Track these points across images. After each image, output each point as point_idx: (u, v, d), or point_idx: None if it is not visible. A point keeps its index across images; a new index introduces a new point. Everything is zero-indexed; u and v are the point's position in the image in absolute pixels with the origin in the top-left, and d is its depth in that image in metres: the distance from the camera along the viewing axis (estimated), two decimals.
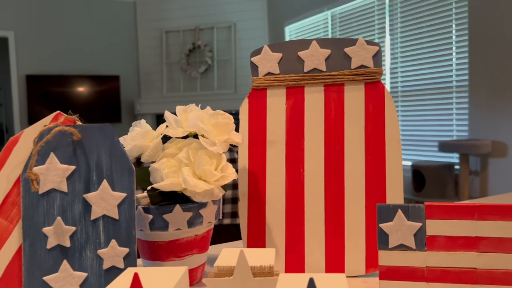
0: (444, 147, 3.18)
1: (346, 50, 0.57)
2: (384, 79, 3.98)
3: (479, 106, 3.21)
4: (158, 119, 5.57)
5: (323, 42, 0.57)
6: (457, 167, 3.33)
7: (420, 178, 3.33)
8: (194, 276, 0.54)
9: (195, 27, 5.71)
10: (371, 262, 0.55)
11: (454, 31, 3.36)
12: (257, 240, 0.57)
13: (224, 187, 0.53)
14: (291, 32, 5.21)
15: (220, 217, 0.56)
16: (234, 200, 2.03)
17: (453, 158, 3.44)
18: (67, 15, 5.64)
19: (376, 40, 4.03)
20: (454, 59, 3.37)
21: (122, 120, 5.72)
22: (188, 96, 5.59)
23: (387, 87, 3.96)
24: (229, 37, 5.65)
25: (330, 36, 4.62)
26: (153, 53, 5.92)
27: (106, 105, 5.74)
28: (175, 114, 0.55)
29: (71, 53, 5.65)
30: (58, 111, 0.49)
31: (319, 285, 0.36)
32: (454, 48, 3.36)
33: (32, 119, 5.37)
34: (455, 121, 3.42)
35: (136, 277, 0.37)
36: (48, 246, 0.47)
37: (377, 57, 0.57)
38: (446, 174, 3.30)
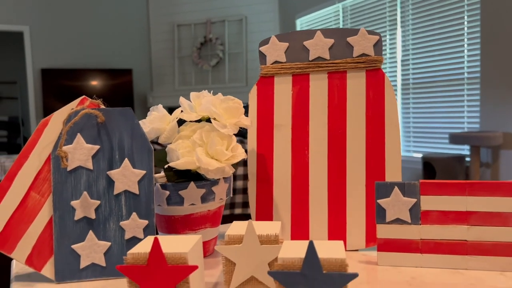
0: (455, 139, 3.18)
1: (349, 39, 0.61)
2: (396, 71, 3.98)
3: (491, 98, 3.20)
4: (170, 112, 5.63)
5: (327, 32, 0.61)
6: (468, 159, 3.33)
7: (431, 170, 3.34)
8: (207, 248, 0.59)
9: (207, 21, 5.74)
10: (371, 237, 0.59)
11: (466, 23, 3.34)
12: (265, 216, 0.62)
13: (235, 166, 0.57)
14: (302, 24, 5.22)
15: (232, 206, 0.60)
16: (245, 191, 2.07)
17: (464, 150, 3.45)
18: (81, 10, 5.72)
19: (388, 32, 4.03)
20: (465, 51, 3.36)
21: (135, 113, 5.81)
22: (199, 89, 5.59)
23: (399, 79, 3.96)
24: (240, 30, 5.67)
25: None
26: (165, 47, 5.98)
27: (119, 99, 5.82)
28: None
29: (84, 47, 5.73)
30: (83, 96, 0.54)
31: (319, 249, 0.41)
32: (466, 40, 3.35)
33: (47, 112, 5.48)
34: (466, 113, 3.41)
35: (156, 241, 0.42)
36: (76, 218, 0.52)
37: (378, 46, 0.60)
38: (457, 166, 3.31)
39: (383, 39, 4.15)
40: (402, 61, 3.92)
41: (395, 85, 4.02)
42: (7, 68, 6.80)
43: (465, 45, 3.35)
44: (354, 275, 0.38)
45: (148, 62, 6.10)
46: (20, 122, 6.82)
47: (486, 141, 3.07)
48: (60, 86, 5.57)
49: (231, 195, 0.62)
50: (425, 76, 3.70)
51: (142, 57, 6.04)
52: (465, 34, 3.35)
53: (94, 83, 5.73)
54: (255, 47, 5.53)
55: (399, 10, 3.92)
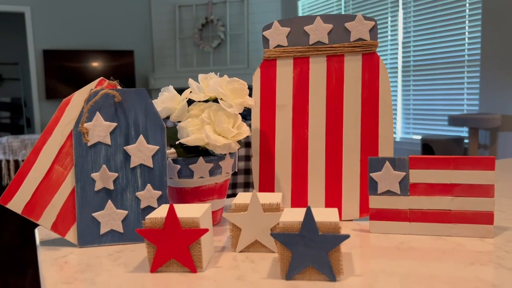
0: (454, 121, 3.22)
1: (346, 25, 0.65)
2: (397, 53, 4.00)
3: (490, 80, 3.23)
4: None
5: (326, 18, 0.65)
6: (466, 141, 3.38)
7: (430, 152, 3.39)
8: (214, 217, 0.64)
9: (208, 1, 5.72)
10: (364, 208, 0.65)
11: (467, 5, 3.35)
12: (268, 189, 0.67)
13: (239, 143, 0.62)
14: (304, 5, 5.20)
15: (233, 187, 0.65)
16: (247, 171, 2.13)
17: (463, 132, 3.49)
18: None
19: (389, 14, 4.03)
20: (466, 34, 3.38)
21: None
22: (201, 71, 5.66)
23: (400, 61, 3.98)
24: (242, 11, 5.66)
25: (343, 10, 4.61)
26: (167, 28, 5.97)
27: (121, 80, 5.79)
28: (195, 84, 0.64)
29: (86, 28, 5.73)
30: (101, 77, 0.59)
31: (315, 214, 0.46)
32: (467, 22, 3.36)
33: (49, 93, 5.51)
34: (466, 95, 3.45)
35: (171, 207, 0.47)
36: (96, 189, 0.57)
37: (373, 31, 0.65)
38: (455, 148, 3.36)
39: (384, 21, 4.15)
40: (403, 43, 3.93)
41: (396, 67, 4.04)
42: (9, 49, 6.80)
43: (466, 28, 3.37)
44: (346, 236, 0.43)
45: (149, 43, 6.10)
46: (23, 103, 6.85)
47: (485, 123, 3.11)
48: (62, 67, 5.59)
49: (236, 170, 0.67)
50: (426, 58, 3.72)
51: (143, 39, 6.04)
52: (467, 16, 3.36)
53: (96, 64, 5.74)
54: (257, 29, 5.52)
55: None
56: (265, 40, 0.68)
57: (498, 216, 0.65)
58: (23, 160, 1.74)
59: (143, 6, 6.04)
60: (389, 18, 4.07)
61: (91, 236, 0.57)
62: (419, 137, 3.82)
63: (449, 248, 0.53)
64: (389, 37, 4.09)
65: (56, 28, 5.58)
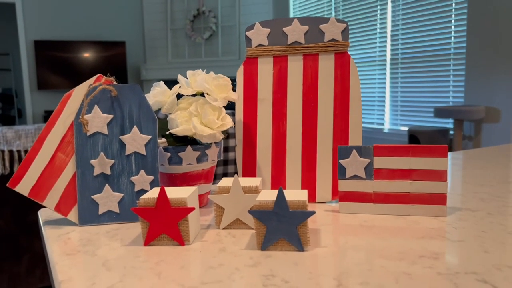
0: (439, 112, 3.32)
1: (321, 26, 0.72)
2: (385, 46, 4.07)
3: (475, 74, 3.32)
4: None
5: (302, 20, 0.72)
6: (452, 132, 3.48)
7: (416, 143, 3.48)
8: (201, 200, 0.71)
9: None
10: (336, 191, 0.72)
11: None
12: (250, 174, 0.74)
13: (224, 132, 0.69)
14: None
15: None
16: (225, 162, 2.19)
17: (449, 123, 3.59)
18: None
19: (378, 7, 4.09)
20: (452, 27, 3.46)
21: None
22: (192, 63, 5.70)
23: (388, 54, 4.05)
24: (233, 3, 5.68)
25: (333, 4, 4.66)
26: (158, 19, 5.98)
27: (113, 71, 5.86)
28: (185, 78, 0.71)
29: (77, 19, 5.72)
30: (99, 74, 0.65)
31: (287, 194, 0.53)
32: (453, 16, 3.44)
33: (41, 84, 5.51)
34: (452, 87, 3.54)
35: (162, 189, 0.54)
36: (95, 174, 0.64)
37: (345, 32, 0.72)
38: (441, 139, 3.45)
39: (373, 14, 4.21)
40: (391, 36, 4.01)
41: (385, 60, 4.11)
42: (0, 40, 6.77)
43: (452, 21, 3.45)
44: (312, 212, 0.51)
45: (141, 34, 6.11)
46: (14, 93, 6.85)
47: (469, 115, 3.20)
48: (53, 58, 5.59)
49: (221, 158, 0.74)
50: (413, 51, 3.80)
51: (135, 29, 6.05)
52: (453, 10, 3.43)
53: (87, 55, 5.75)
54: (248, 20, 5.56)
55: None
56: (248, 40, 0.74)
57: (455, 199, 0.73)
58: (17, 150, 1.80)
59: None
60: (378, 12, 4.14)
61: (90, 216, 0.64)
62: (406, 128, 3.92)
63: (406, 225, 0.61)
64: (378, 30, 4.16)
65: (47, 18, 5.58)
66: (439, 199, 0.63)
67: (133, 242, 0.57)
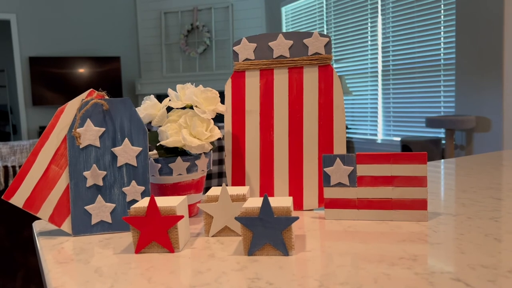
0: (431, 122, 3.36)
1: (305, 41, 0.75)
2: (377, 57, 4.13)
3: (465, 84, 3.38)
4: (159, 99, 5.74)
5: (287, 35, 0.75)
6: (444, 141, 3.52)
7: None
8: (192, 210, 0.73)
9: (193, 8, 5.81)
10: (322, 199, 0.75)
11: (442, 11, 3.50)
12: (239, 183, 0.77)
13: (212, 143, 0.72)
14: (288, 12, 5.33)
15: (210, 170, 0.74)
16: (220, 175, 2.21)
17: (440, 133, 3.63)
18: None
19: (369, 20, 4.17)
20: (442, 39, 3.52)
21: None
22: (187, 77, 5.74)
23: (379, 65, 4.11)
24: (227, 17, 5.76)
25: (325, 17, 4.74)
26: (153, 34, 6.04)
27: (108, 86, 5.89)
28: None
29: (72, 35, 5.77)
30: (91, 89, 0.68)
31: (272, 201, 0.56)
32: (442, 29, 3.51)
33: (36, 100, 5.53)
34: (443, 98, 3.59)
35: (152, 198, 0.56)
36: (87, 185, 0.66)
37: (328, 46, 0.75)
38: (433, 149, 3.50)
39: (364, 26, 4.28)
40: (382, 48, 4.07)
41: (377, 71, 4.17)
42: None
43: (442, 34, 3.51)
44: (296, 218, 0.53)
45: (136, 49, 6.16)
46: (9, 110, 6.85)
47: (460, 125, 3.25)
48: (48, 74, 5.62)
49: (211, 168, 0.76)
50: (404, 63, 3.87)
51: (130, 45, 6.10)
52: (442, 23, 3.51)
53: (82, 70, 5.79)
54: (242, 34, 5.63)
55: None
56: (235, 54, 0.77)
57: (438, 204, 0.75)
58: (12, 166, 1.81)
59: (129, 13, 6.11)
60: (369, 23, 4.21)
61: (83, 226, 0.66)
62: (399, 138, 3.96)
63: (388, 230, 0.63)
64: (369, 43, 4.22)
65: (42, 35, 5.62)
66: (420, 204, 0.66)
67: (125, 250, 0.59)
